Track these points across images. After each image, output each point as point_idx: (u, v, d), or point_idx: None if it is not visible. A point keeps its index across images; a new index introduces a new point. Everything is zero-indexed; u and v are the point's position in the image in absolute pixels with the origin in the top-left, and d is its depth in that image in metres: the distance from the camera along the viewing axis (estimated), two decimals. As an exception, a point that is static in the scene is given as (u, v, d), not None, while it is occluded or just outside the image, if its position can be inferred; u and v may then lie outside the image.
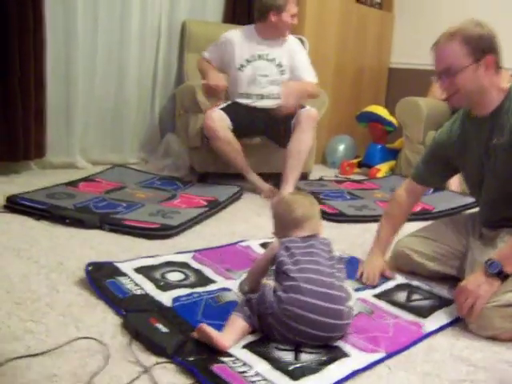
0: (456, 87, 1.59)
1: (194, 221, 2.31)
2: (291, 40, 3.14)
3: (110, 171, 3.16)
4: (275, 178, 3.05)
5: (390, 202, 1.99)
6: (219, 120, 2.88)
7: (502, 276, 1.44)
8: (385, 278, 1.80)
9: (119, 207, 2.42)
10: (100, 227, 2.15)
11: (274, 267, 1.43)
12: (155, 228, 2.14)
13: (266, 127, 3.02)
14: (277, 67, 3.06)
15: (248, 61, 3.05)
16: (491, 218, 1.75)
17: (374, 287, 1.73)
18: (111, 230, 2.13)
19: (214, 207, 2.55)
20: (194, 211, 2.42)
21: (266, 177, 3.07)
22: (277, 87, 3.05)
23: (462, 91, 1.59)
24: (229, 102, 3.04)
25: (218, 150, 2.95)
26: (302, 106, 2.93)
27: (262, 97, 3.06)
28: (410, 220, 2.58)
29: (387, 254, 1.93)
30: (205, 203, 2.59)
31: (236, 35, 3.09)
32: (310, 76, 3.07)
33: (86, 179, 2.92)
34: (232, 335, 1.29)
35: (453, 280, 1.76)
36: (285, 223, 1.51)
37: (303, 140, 2.85)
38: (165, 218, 2.30)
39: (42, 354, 1.21)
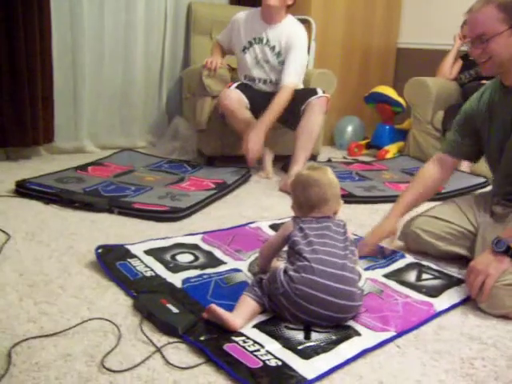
0: (489, 54, 1.56)
1: (202, 203, 2.32)
2: (293, 29, 2.96)
3: (118, 155, 3.17)
4: (283, 160, 3.06)
5: (418, 171, 1.96)
6: (236, 99, 2.87)
7: (510, 253, 1.44)
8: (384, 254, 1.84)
9: (128, 190, 2.43)
10: (109, 211, 2.16)
11: (286, 247, 1.43)
12: (164, 211, 2.15)
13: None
14: (275, 56, 2.98)
15: (250, 43, 3.01)
16: (505, 194, 1.74)
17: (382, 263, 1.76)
18: (120, 214, 2.15)
19: (223, 189, 2.55)
20: (203, 194, 2.43)
21: (274, 159, 3.07)
22: (278, 75, 2.98)
23: (494, 58, 1.56)
24: (239, 82, 3.03)
25: (234, 128, 2.96)
26: (315, 92, 2.89)
27: (265, 81, 3.04)
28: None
29: (404, 218, 1.89)
30: (213, 186, 2.60)
31: (242, 16, 3.05)
32: (288, 78, 2.88)
33: (94, 163, 2.93)
34: (243, 315, 1.30)
35: (463, 260, 1.76)
36: (300, 204, 1.47)
37: (313, 121, 2.83)
38: (173, 200, 2.30)
39: (56, 334, 1.23)
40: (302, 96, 2.89)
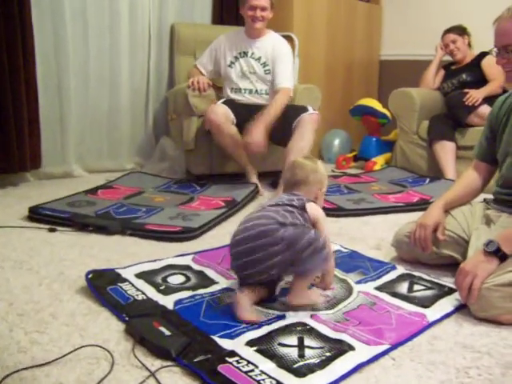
0: None
1: (214, 222, 2.34)
2: (277, 41, 3.15)
3: (126, 177, 3.19)
4: (272, 176, 3.07)
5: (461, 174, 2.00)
6: (223, 114, 2.91)
7: (499, 255, 1.45)
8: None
9: (139, 212, 2.44)
10: (122, 233, 2.17)
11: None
12: (177, 231, 2.16)
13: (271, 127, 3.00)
14: (262, 66, 3.11)
15: (236, 57, 3.13)
16: (502, 196, 1.76)
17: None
18: (132, 235, 2.16)
19: (233, 207, 2.57)
20: (214, 213, 2.44)
21: (263, 175, 3.07)
22: (264, 86, 3.10)
23: None
24: (225, 99, 3.07)
25: (219, 143, 2.99)
26: (306, 109, 2.94)
27: (251, 91, 3.10)
28: (408, 210, 2.62)
29: (449, 210, 1.86)
30: (223, 204, 2.61)
31: (227, 36, 3.20)
32: (284, 82, 3.05)
33: (103, 186, 2.94)
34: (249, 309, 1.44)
35: (455, 269, 1.76)
36: (286, 182, 1.65)
37: (305, 138, 2.86)
38: (185, 220, 2.31)
39: (48, 363, 1.21)
40: (293, 113, 2.94)
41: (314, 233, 1.44)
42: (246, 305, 1.43)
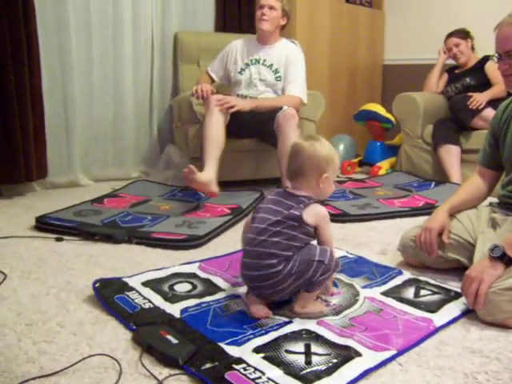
0: None
1: (219, 229, 2.34)
2: (291, 48, 3.15)
3: (132, 186, 3.20)
4: (273, 184, 3.08)
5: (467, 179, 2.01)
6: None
7: (505, 259, 1.45)
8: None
9: (145, 220, 2.45)
10: (128, 241, 2.18)
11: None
12: (183, 239, 2.17)
13: (258, 129, 3.02)
14: (273, 73, 3.11)
15: (247, 64, 3.15)
16: (509, 200, 1.77)
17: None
18: (138, 244, 2.17)
19: (238, 214, 2.57)
20: (219, 220, 2.45)
21: (263, 182, 3.07)
22: (272, 93, 3.10)
23: None
24: None
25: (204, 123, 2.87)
26: (279, 108, 2.91)
27: (256, 98, 3.09)
28: (413, 215, 2.61)
29: (454, 214, 1.86)
30: (228, 211, 2.62)
31: (239, 42, 3.23)
32: (294, 90, 3.05)
33: (109, 195, 2.96)
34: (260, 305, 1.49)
35: (462, 273, 1.75)
36: (287, 171, 1.53)
37: (287, 140, 2.81)
38: (190, 228, 2.32)
39: (56, 373, 1.21)
40: (268, 116, 2.89)
41: (319, 253, 1.44)
42: (255, 301, 1.48)
